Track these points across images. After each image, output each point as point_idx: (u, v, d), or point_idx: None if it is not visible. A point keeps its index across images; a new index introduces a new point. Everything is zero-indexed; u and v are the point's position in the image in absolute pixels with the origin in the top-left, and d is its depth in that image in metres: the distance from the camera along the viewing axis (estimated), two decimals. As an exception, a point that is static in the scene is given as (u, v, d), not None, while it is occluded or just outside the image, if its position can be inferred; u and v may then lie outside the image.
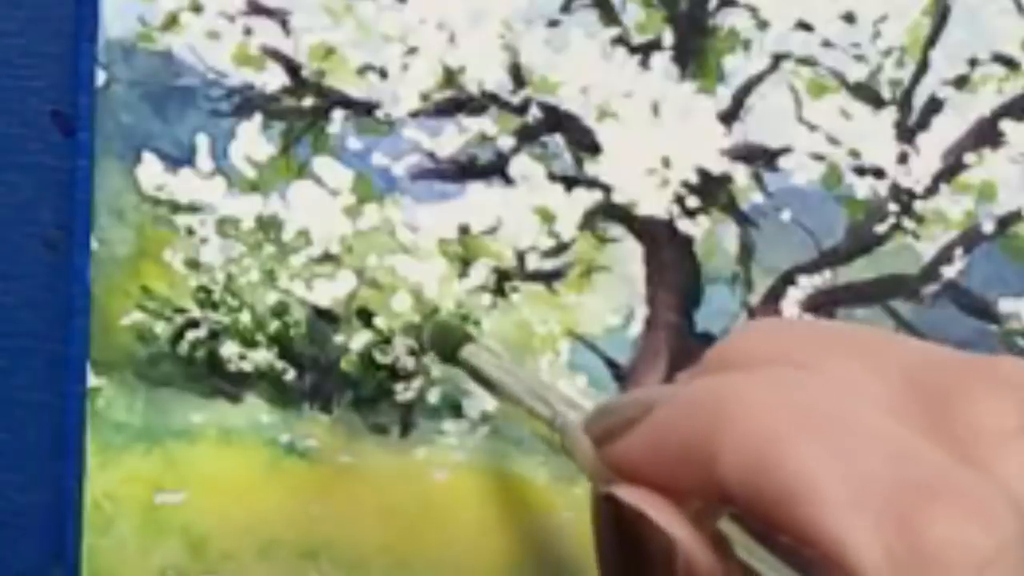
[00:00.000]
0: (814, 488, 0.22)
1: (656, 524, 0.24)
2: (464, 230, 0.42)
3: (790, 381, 0.24)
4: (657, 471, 0.25)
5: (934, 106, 0.41)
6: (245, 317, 0.42)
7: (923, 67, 0.41)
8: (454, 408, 0.42)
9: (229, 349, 0.42)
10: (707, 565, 0.24)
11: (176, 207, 0.42)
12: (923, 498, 0.21)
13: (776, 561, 0.23)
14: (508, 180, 0.42)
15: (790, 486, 0.22)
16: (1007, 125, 0.41)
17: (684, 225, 0.42)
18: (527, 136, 0.42)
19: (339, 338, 0.42)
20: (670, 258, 0.42)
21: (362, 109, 0.42)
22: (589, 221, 0.42)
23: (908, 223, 0.42)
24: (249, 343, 0.42)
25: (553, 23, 0.41)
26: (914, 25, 0.41)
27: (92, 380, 0.42)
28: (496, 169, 0.42)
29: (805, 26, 0.41)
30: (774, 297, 0.42)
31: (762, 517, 0.23)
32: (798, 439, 0.22)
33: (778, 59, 0.41)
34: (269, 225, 0.42)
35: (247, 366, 0.42)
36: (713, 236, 0.42)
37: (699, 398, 0.25)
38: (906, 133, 0.42)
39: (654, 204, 0.42)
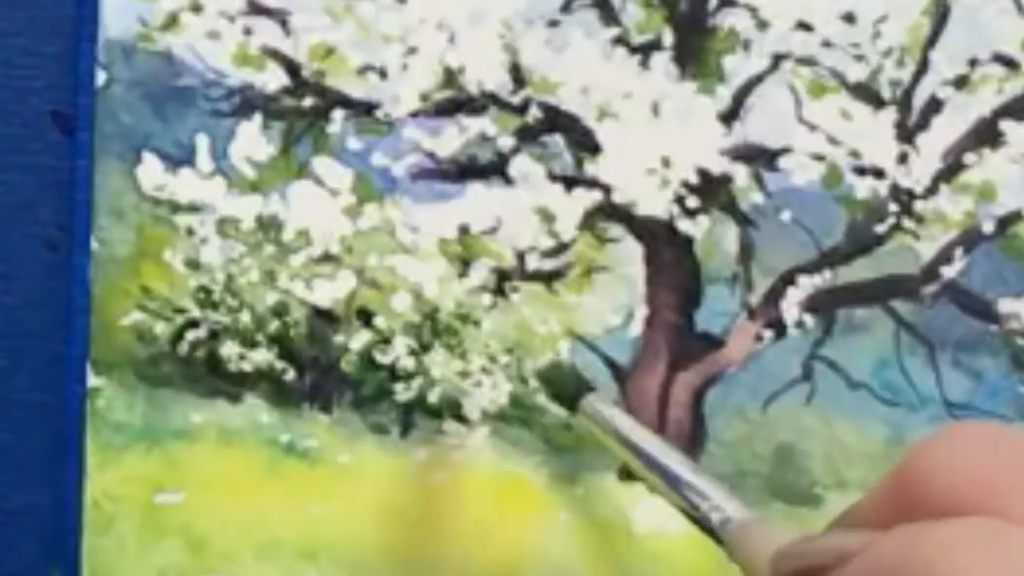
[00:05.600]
0: None
1: None
2: (464, 230, 0.42)
3: (999, 540, 0.23)
4: None
5: (934, 106, 0.41)
6: (245, 317, 0.42)
7: (923, 67, 0.41)
8: (454, 408, 0.42)
9: (229, 349, 0.42)
10: None
11: (176, 207, 0.42)
12: None
13: None
14: (508, 180, 0.42)
15: None
16: (1007, 125, 0.41)
17: (684, 225, 0.42)
18: (527, 136, 0.42)
19: (339, 338, 0.42)
20: (670, 258, 0.42)
21: (362, 109, 0.42)
22: (589, 221, 0.42)
23: (908, 223, 0.42)
24: (249, 343, 0.42)
25: (553, 23, 0.41)
26: (914, 25, 0.41)
27: (92, 380, 0.42)
28: (496, 169, 0.42)
29: (805, 26, 0.41)
30: (774, 297, 0.42)
31: None
32: None
33: (778, 59, 0.41)
34: (269, 225, 0.42)
35: (247, 366, 0.42)
36: (713, 236, 0.42)
37: (903, 555, 0.24)
38: (906, 133, 0.41)
39: (654, 204, 0.42)
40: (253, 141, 0.42)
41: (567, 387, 0.40)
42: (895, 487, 0.26)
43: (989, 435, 0.26)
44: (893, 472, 0.26)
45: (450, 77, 0.42)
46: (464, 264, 0.42)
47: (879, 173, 0.42)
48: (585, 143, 0.42)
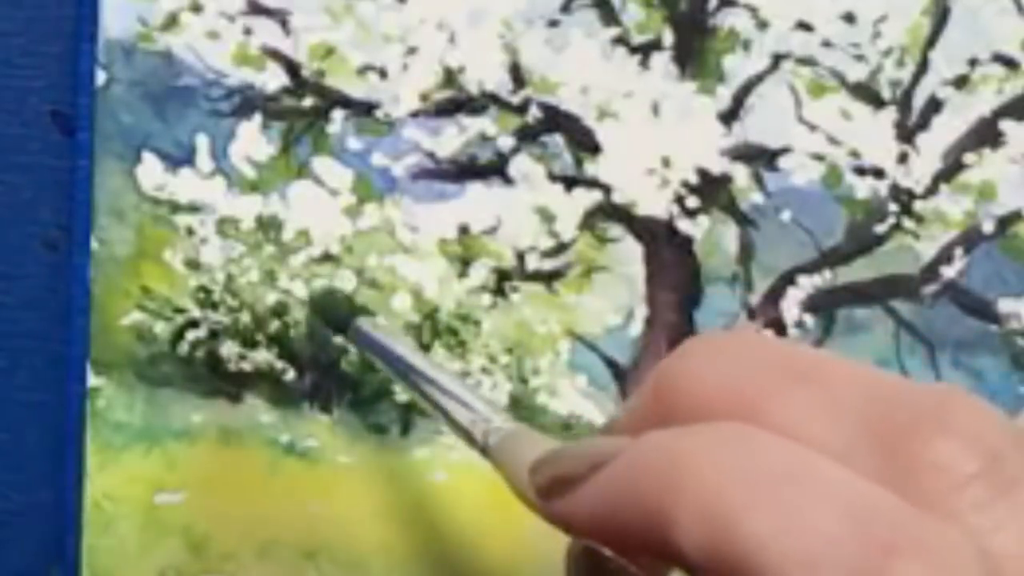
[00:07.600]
0: (771, 554, 0.22)
1: None
2: (464, 230, 0.42)
3: (741, 438, 0.23)
4: (608, 531, 0.24)
5: (934, 106, 0.41)
6: (245, 317, 0.42)
7: (923, 67, 0.41)
8: (454, 408, 0.42)
9: (229, 349, 0.42)
10: None
11: (176, 207, 0.42)
12: (885, 553, 0.21)
13: None
14: (508, 180, 0.42)
15: (747, 553, 0.22)
16: (1007, 125, 0.41)
17: (684, 225, 0.42)
18: (527, 136, 0.42)
19: (339, 338, 0.42)
20: (670, 258, 0.42)
21: (362, 109, 0.42)
22: (589, 221, 0.42)
23: (908, 223, 0.42)
24: (249, 343, 0.42)
25: (553, 23, 0.41)
26: (914, 25, 0.41)
27: (92, 380, 0.42)
28: (496, 169, 0.42)
29: (805, 26, 0.41)
30: (774, 297, 0.42)
31: None
32: (753, 503, 0.22)
33: (778, 59, 0.41)
34: (269, 225, 0.42)
35: (247, 366, 0.42)
36: (713, 236, 0.42)
37: (651, 461, 0.24)
38: (906, 133, 0.42)
39: (654, 204, 0.42)
40: (253, 141, 0.42)
41: (339, 312, 0.40)
42: (649, 396, 0.26)
43: (734, 342, 0.26)
44: (648, 381, 0.26)
45: (450, 77, 0.42)
46: (464, 264, 0.42)
47: (879, 173, 0.42)
48: (585, 143, 0.42)
